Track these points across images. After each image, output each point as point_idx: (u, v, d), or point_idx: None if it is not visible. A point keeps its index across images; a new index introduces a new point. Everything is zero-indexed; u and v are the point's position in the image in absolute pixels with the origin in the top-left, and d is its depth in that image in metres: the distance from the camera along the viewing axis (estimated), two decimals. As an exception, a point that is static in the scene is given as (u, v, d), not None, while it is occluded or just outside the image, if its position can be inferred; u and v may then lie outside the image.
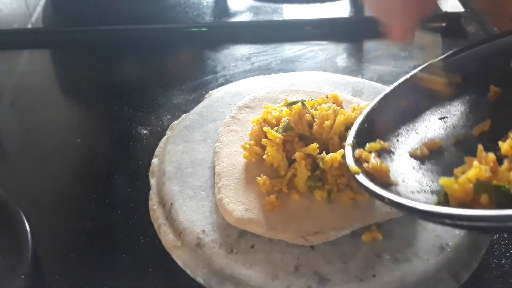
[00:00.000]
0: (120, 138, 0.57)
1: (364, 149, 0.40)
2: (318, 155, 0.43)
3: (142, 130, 0.58)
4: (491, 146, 0.36)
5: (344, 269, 0.40)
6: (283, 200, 0.43)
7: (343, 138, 0.45)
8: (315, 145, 0.43)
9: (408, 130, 0.43)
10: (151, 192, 0.48)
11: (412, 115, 0.44)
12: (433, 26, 0.75)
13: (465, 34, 0.74)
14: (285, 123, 0.46)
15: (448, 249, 0.41)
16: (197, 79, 0.66)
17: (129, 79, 0.68)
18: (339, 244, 0.41)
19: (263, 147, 0.46)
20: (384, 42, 0.70)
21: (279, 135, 0.45)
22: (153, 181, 0.49)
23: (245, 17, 0.80)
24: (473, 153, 0.36)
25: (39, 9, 0.82)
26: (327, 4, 0.83)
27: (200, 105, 0.57)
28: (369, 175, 0.38)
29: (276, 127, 0.46)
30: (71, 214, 0.48)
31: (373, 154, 0.39)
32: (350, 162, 0.39)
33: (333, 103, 0.48)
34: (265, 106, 0.50)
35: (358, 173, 0.38)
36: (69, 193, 0.51)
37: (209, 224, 0.43)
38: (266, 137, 0.45)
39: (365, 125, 0.42)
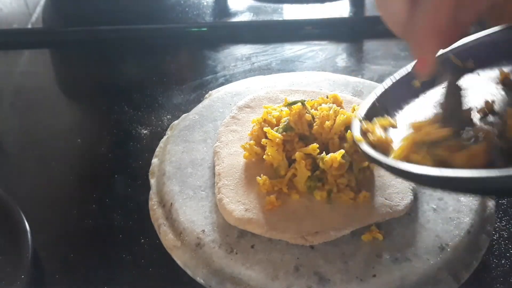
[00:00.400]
0: (120, 138, 0.57)
1: (371, 123, 0.41)
2: (318, 155, 0.43)
3: (142, 130, 0.58)
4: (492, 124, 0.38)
5: (344, 269, 0.40)
6: (283, 200, 0.43)
7: (343, 138, 0.45)
8: (315, 145, 0.43)
9: (417, 110, 0.43)
10: (151, 192, 0.48)
11: (422, 96, 0.44)
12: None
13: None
14: (285, 123, 0.46)
15: (448, 249, 0.41)
16: (197, 79, 0.66)
17: (129, 79, 0.68)
18: (339, 244, 0.41)
19: (263, 147, 0.46)
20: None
21: (279, 135, 0.45)
22: (153, 181, 0.49)
23: (245, 17, 0.80)
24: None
25: (39, 9, 0.82)
26: (327, 4, 0.83)
27: (200, 105, 0.57)
28: (373, 146, 0.38)
29: (276, 127, 0.46)
30: (71, 214, 0.48)
31: (378, 126, 0.40)
32: (356, 132, 0.40)
33: (333, 103, 0.48)
34: (265, 106, 0.50)
35: (361, 142, 0.38)
36: (69, 193, 0.51)
37: (209, 224, 0.43)
38: (266, 137, 0.45)
39: (377, 104, 0.43)
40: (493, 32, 0.43)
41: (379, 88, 0.44)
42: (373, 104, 0.43)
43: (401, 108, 0.43)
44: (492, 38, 0.43)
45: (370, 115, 0.42)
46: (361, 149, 0.38)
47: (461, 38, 0.38)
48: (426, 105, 0.43)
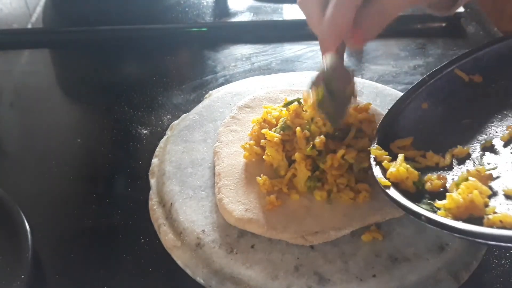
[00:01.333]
0: (120, 138, 0.57)
1: (391, 148, 0.39)
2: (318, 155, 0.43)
3: (142, 130, 0.58)
4: None
5: (344, 269, 0.40)
6: (283, 200, 0.43)
7: (342, 138, 0.45)
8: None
9: (432, 133, 0.41)
10: (151, 192, 0.48)
11: (433, 117, 0.42)
12: (433, 26, 0.75)
13: (465, 34, 0.74)
14: (282, 122, 0.46)
15: (448, 249, 0.41)
16: (197, 79, 0.66)
17: (129, 79, 0.68)
18: (339, 244, 0.41)
19: (263, 147, 0.46)
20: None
21: (277, 134, 0.45)
22: (153, 181, 0.49)
23: (245, 17, 0.80)
24: (501, 160, 0.36)
25: (39, 9, 0.82)
26: (327, 4, 0.83)
27: (200, 105, 0.57)
28: (394, 184, 0.36)
29: (275, 127, 0.46)
30: (71, 214, 0.48)
31: (400, 157, 0.38)
32: (378, 173, 0.38)
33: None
34: (265, 106, 0.50)
35: (388, 187, 0.36)
36: (69, 193, 0.51)
37: (209, 224, 0.43)
38: (266, 138, 0.45)
39: (387, 129, 0.41)
40: (497, 43, 0.42)
41: (386, 116, 0.42)
42: (383, 129, 0.41)
43: (415, 133, 0.41)
44: (498, 49, 0.42)
45: (384, 143, 0.40)
46: (390, 196, 0.35)
47: (367, 41, 0.40)
48: (442, 128, 0.41)
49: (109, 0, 0.82)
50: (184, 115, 0.56)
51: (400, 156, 0.38)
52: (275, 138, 0.44)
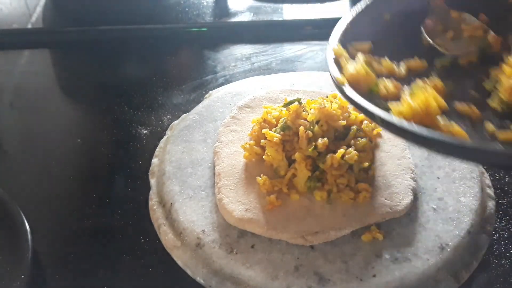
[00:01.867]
0: (120, 138, 0.57)
1: (348, 49, 0.37)
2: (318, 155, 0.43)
3: (142, 130, 0.58)
4: (479, 78, 0.36)
5: (344, 269, 0.40)
6: (283, 200, 0.43)
7: (341, 138, 0.45)
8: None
9: (390, 44, 0.40)
10: (151, 192, 0.48)
11: (395, 29, 0.41)
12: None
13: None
14: (283, 122, 0.46)
15: (448, 249, 0.41)
16: (197, 79, 0.66)
17: (129, 79, 0.68)
18: (339, 244, 0.41)
19: (263, 147, 0.46)
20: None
21: (277, 134, 0.45)
22: (153, 181, 0.49)
23: (245, 17, 0.80)
24: (457, 79, 0.36)
25: (39, 9, 0.82)
26: (327, 4, 0.83)
27: (200, 105, 0.57)
28: (351, 83, 0.35)
29: (275, 128, 0.46)
30: (71, 214, 0.48)
31: (360, 58, 0.36)
32: (334, 71, 0.36)
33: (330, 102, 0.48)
34: (265, 106, 0.50)
35: (343, 84, 0.34)
36: (69, 193, 0.51)
37: (209, 224, 0.43)
38: (266, 138, 0.45)
39: (349, 29, 0.40)
40: None
41: (348, 16, 0.40)
42: (346, 29, 0.39)
43: (377, 41, 0.40)
44: None
45: (345, 43, 0.38)
46: (345, 93, 0.34)
47: None
48: (402, 40, 0.40)
49: (109, 0, 0.82)
50: (184, 115, 0.56)
51: (360, 57, 0.36)
52: (275, 138, 0.44)
